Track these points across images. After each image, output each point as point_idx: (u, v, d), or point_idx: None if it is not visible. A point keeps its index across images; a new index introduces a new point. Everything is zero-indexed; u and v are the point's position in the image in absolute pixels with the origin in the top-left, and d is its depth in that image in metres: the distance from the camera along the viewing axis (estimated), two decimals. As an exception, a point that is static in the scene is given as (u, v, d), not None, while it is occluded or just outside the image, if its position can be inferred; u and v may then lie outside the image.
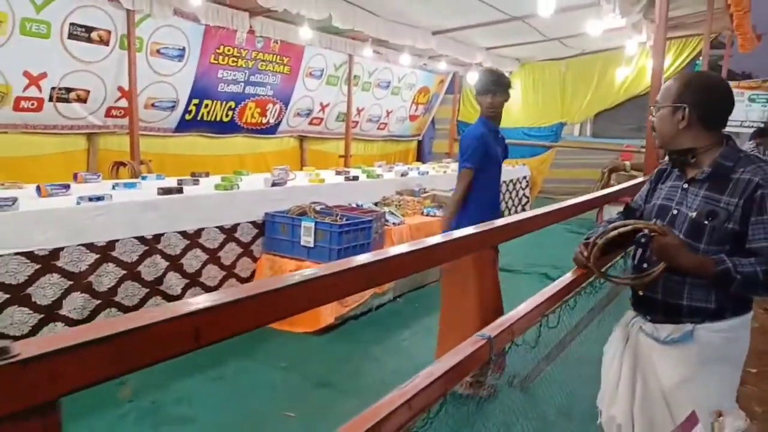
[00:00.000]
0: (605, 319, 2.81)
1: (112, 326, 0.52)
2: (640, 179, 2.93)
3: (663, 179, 1.91)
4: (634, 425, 1.90)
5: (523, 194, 9.14)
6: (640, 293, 1.85)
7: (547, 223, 1.76)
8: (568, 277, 1.71)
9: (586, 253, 1.76)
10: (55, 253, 3.24)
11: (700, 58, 6.81)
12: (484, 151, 3.20)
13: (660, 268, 1.68)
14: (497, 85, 3.24)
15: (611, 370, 2.01)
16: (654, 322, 1.81)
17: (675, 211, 1.76)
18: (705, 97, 1.71)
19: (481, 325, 1.21)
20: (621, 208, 2.10)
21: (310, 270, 0.74)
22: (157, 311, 0.57)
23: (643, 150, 3.82)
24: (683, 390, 1.72)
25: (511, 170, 8.96)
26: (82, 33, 4.97)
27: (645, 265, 1.77)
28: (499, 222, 1.43)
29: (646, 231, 1.64)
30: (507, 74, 9.84)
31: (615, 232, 1.65)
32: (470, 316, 3.07)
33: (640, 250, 1.78)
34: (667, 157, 1.92)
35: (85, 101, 5.38)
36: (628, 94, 9.05)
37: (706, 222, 1.66)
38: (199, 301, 0.59)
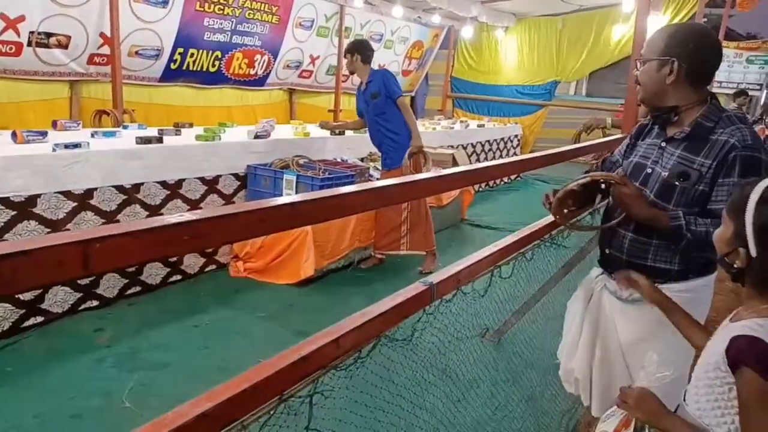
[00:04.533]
0: (578, 275, 2.85)
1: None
2: (617, 136, 2.91)
3: (643, 136, 1.84)
4: (592, 380, 1.94)
5: (514, 153, 9.10)
6: (607, 251, 1.86)
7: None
8: (524, 230, 1.71)
9: (549, 202, 1.75)
10: (32, 200, 3.22)
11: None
12: None
13: (619, 218, 1.69)
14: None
15: (573, 325, 2.03)
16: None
17: (649, 170, 1.71)
18: (696, 49, 1.59)
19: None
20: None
21: (209, 210, 0.73)
22: (45, 237, 0.57)
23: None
24: (641, 348, 1.72)
25: (502, 128, 8.89)
26: (60, -25, 4.81)
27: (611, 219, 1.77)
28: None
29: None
30: (503, 29, 9.73)
31: (574, 184, 1.64)
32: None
33: (607, 201, 1.78)
34: (650, 116, 1.88)
35: (66, 47, 5.24)
36: (624, 54, 8.91)
37: (677, 183, 1.61)
38: (93, 229, 0.59)
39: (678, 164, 1.63)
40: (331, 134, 5.56)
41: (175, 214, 0.67)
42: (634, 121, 2.98)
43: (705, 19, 7.89)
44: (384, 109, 4.33)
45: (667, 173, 1.64)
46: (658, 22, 7.71)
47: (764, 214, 1.07)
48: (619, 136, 2.95)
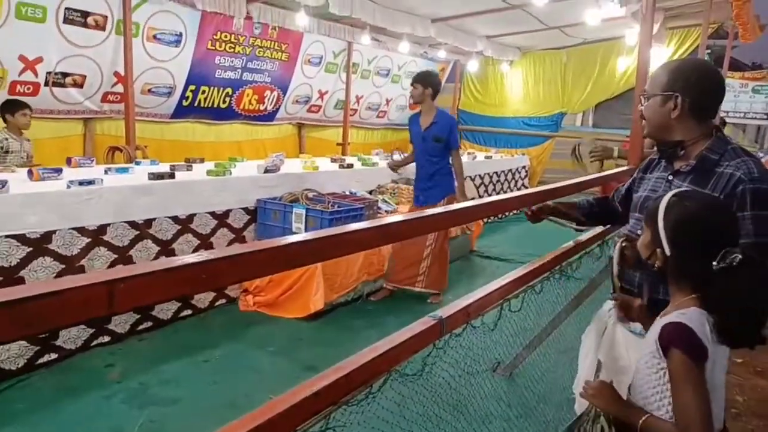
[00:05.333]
0: (591, 307, 2.84)
1: (21, 291, 0.54)
2: (624, 168, 2.94)
3: (651, 169, 1.86)
4: None
5: (522, 184, 9.13)
6: (619, 284, 1.87)
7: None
8: (533, 263, 1.72)
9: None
10: (48, 236, 3.27)
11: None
12: None
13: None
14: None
15: (587, 360, 2.03)
16: None
17: None
18: (698, 84, 1.62)
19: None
20: None
21: (222, 250, 0.76)
22: (72, 278, 0.59)
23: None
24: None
25: (509, 160, 8.95)
26: (77, 18, 4.97)
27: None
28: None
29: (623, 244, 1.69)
30: (508, 63, 9.85)
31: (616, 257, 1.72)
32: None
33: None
34: (655, 147, 1.90)
35: (81, 86, 5.40)
36: (629, 85, 8.98)
37: None
38: (117, 269, 0.62)
39: None
40: (339, 167, 5.62)
41: (193, 254, 0.70)
42: (640, 152, 3.00)
43: (709, 51, 7.99)
44: (440, 154, 4.47)
45: None
46: (661, 54, 7.82)
47: (670, 218, 1.29)
48: (626, 168, 2.97)
